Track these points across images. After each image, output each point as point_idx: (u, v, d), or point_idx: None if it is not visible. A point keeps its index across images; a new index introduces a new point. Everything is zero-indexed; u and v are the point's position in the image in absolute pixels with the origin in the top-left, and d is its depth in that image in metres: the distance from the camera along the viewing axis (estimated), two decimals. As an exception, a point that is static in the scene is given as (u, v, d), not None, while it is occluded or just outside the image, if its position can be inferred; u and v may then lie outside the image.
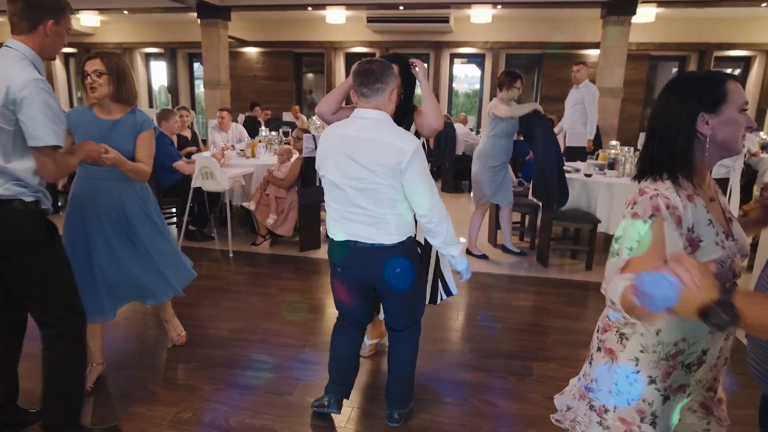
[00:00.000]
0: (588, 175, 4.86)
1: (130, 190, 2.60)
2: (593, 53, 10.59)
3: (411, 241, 2.22)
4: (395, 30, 11.00)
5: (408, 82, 2.57)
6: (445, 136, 8.26)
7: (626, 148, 5.09)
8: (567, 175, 4.94)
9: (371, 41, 11.49)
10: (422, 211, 2.10)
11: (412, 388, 2.54)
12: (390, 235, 2.11)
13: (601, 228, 4.64)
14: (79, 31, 12.19)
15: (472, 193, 5.21)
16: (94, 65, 2.47)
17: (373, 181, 2.04)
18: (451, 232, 2.16)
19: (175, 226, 5.63)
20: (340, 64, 12.16)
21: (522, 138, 8.20)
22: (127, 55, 12.90)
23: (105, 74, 2.47)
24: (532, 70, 11.75)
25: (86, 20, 11.61)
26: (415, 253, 2.28)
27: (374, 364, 3.06)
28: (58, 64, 13.67)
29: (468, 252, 5.04)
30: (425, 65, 2.58)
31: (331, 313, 3.77)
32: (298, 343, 3.25)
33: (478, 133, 9.83)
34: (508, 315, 3.76)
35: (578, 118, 6.73)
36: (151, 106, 13.42)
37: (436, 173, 9.37)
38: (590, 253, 4.70)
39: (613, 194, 4.64)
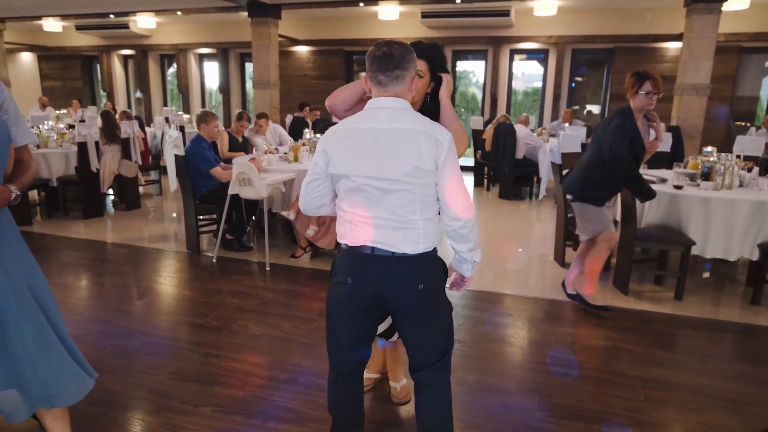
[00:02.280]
0: (678, 187, 4.13)
1: None
2: (673, 46, 9.59)
3: (436, 252, 1.89)
4: (451, 25, 10.40)
5: (438, 78, 2.09)
6: (504, 138, 7.59)
7: (725, 155, 4.31)
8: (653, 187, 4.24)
9: (425, 37, 10.94)
10: (459, 213, 1.79)
11: None
12: (417, 243, 1.80)
13: (695, 250, 3.91)
14: (136, 33, 12.33)
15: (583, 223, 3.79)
16: None
17: (405, 181, 1.74)
18: (477, 236, 1.89)
19: (212, 235, 5.32)
20: (393, 63, 11.69)
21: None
22: (181, 56, 12.96)
23: None
24: (601, 66, 10.85)
25: (143, 22, 11.70)
26: (442, 266, 1.92)
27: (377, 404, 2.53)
28: (117, 66, 13.94)
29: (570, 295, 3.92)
30: (450, 79, 2.10)
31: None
32: (331, 385, 2.77)
33: (539, 134, 9.09)
34: (583, 358, 3.13)
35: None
36: (203, 106, 13.43)
37: (493, 178, 8.72)
38: (681, 280, 3.96)
39: (710, 211, 3.90)
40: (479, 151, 8.66)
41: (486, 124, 9.12)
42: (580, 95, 11.21)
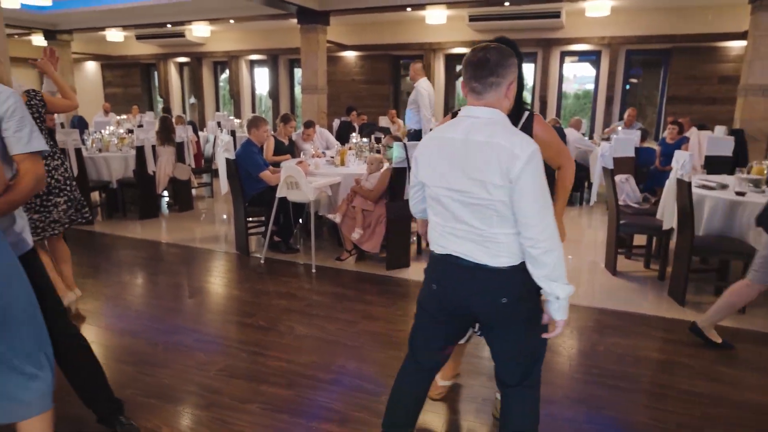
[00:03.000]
0: (740, 194, 3.92)
1: None
2: (736, 45, 9.14)
3: (524, 266, 1.74)
4: (499, 28, 10.27)
5: (520, 75, 2.03)
6: (554, 143, 7.41)
7: (793, 160, 4.06)
8: (710, 193, 4.04)
9: (473, 41, 10.85)
10: (529, 232, 1.66)
11: None
12: (499, 257, 1.72)
13: (758, 260, 3.69)
14: (192, 41, 12.81)
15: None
16: None
17: (481, 196, 1.67)
18: (560, 265, 1.69)
19: (261, 236, 5.45)
20: (439, 66, 11.65)
21: (645, 144, 7.20)
22: (233, 63, 13.37)
23: None
24: (657, 67, 10.46)
25: (198, 31, 12.15)
26: (530, 281, 1.74)
27: (445, 411, 2.50)
28: (173, 73, 14.52)
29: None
30: None
31: (416, 349, 3.27)
32: (374, 389, 2.78)
33: (591, 138, 8.82)
34: (634, 370, 3.01)
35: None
36: (253, 111, 13.80)
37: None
38: (743, 291, 3.74)
39: (776, 218, 3.67)
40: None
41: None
42: (634, 98, 10.83)
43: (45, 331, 1.88)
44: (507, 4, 8.90)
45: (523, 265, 1.72)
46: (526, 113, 2.19)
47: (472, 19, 10.10)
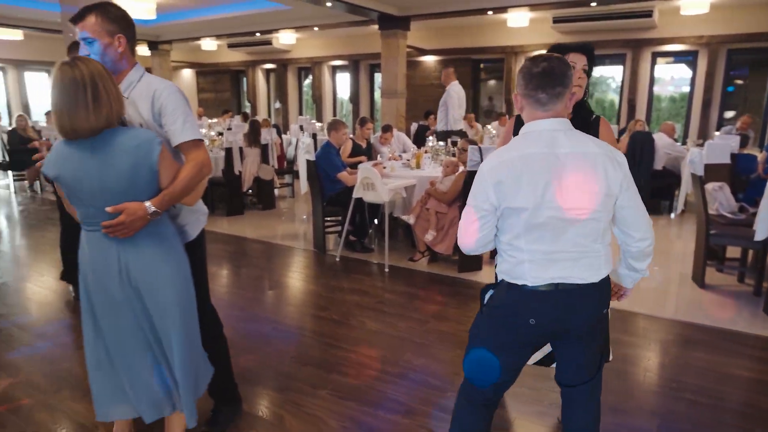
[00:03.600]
0: None
1: None
2: None
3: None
4: (585, 29, 9.94)
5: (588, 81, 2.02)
6: (641, 148, 7.08)
7: None
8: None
9: (556, 43, 10.57)
10: (640, 231, 1.73)
11: None
12: (599, 270, 1.70)
13: None
14: (278, 48, 13.45)
15: None
16: None
17: (591, 209, 1.62)
18: None
19: (337, 235, 5.64)
20: (521, 70, 11.45)
21: (745, 151, 6.67)
22: (316, 68, 13.88)
23: None
24: (763, 67, 9.64)
25: (284, 39, 12.73)
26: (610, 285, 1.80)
27: (510, 414, 2.48)
28: (260, 79, 15.31)
29: None
30: None
31: (484, 351, 3.28)
32: (441, 385, 2.83)
33: (684, 143, 8.30)
34: (718, 386, 2.84)
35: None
36: (334, 115, 14.24)
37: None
38: None
39: None
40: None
41: (621, 132, 8.56)
42: (736, 101, 10.04)
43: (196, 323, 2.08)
44: (594, 4, 8.60)
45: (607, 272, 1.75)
46: (593, 116, 2.21)
47: (557, 20, 9.85)
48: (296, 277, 4.77)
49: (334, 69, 14.29)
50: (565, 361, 1.85)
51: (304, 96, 15.25)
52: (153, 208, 1.82)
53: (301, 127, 9.77)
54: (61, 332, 3.53)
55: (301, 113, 14.77)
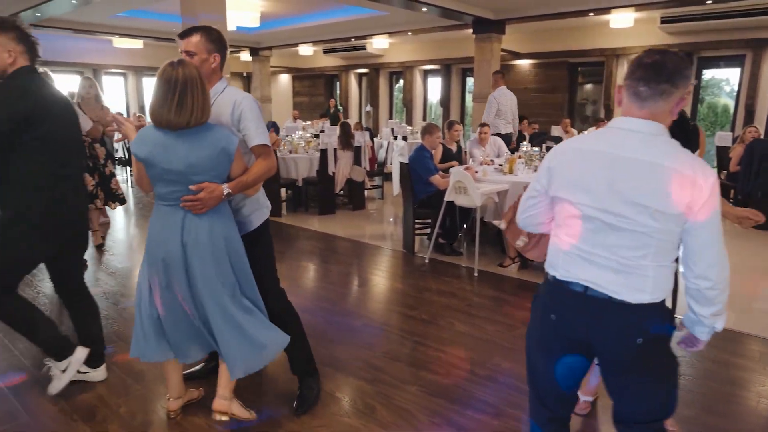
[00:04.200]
0: None
1: None
2: None
3: (664, 302, 1.55)
4: (697, 29, 9.28)
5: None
6: (760, 157, 6.51)
7: None
8: None
9: (664, 45, 9.96)
10: (707, 271, 1.48)
11: None
12: (641, 292, 1.49)
13: None
14: (371, 53, 13.77)
15: None
16: None
17: (643, 222, 1.46)
18: (726, 301, 1.53)
19: (426, 237, 5.69)
20: (622, 73, 10.86)
21: None
22: (408, 73, 14.05)
23: None
24: None
25: (377, 44, 13.02)
26: (669, 317, 1.56)
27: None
28: (353, 83, 15.74)
29: None
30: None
31: (577, 361, 3.18)
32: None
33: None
34: None
35: None
36: (424, 119, 14.33)
37: (741, 202, 7.50)
38: None
39: None
40: (724, 172, 7.55)
41: (735, 140, 7.91)
42: None
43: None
44: (709, 2, 8.02)
45: (662, 301, 1.53)
46: (691, 124, 2.08)
47: (665, 20, 9.28)
48: (385, 276, 4.88)
49: (426, 73, 14.40)
50: (609, 389, 1.66)
51: (394, 100, 15.49)
52: (228, 190, 2.16)
53: (393, 131, 9.94)
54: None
55: (391, 117, 15.02)
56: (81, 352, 2.71)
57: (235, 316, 2.24)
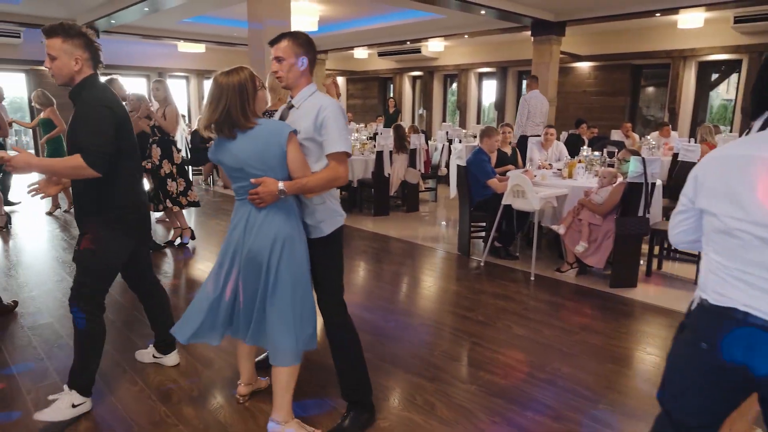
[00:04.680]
0: None
1: None
2: None
3: None
4: (773, 30, 8.82)
5: None
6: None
7: None
8: None
9: (736, 46, 9.53)
10: None
11: None
12: None
13: None
14: (426, 56, 13.82)
15: None
16: None
17: None
18: None
19: (481, 240, 5.68)
20: (689, 76, 10.48)
21: None
22: (462, 75, 14.00)
23: None
24: None
25: (433, 46, 13.05)
26: None
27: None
28: (407, 86, 15.84)
29: None
30: None
31: (642, 370, 3.13)
32: (591, 395, 2.76)
33: None
34: None
35: None
36: (478, 122, 14.23)
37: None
38: None
39: None
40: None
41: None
42: None
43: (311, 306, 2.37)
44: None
45: None
46: None
47: (739, 20, 8.87)
48: (440, 277, 4.92)
49: (481, 76, 14.31)
50: None
51: (447, 102, 15.48)
52: (282, 187, 2.17)
53: (447, 134, 9.95)
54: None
55: (444, 120, 15.01)
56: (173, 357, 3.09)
57: (266, 313, 2.29)
